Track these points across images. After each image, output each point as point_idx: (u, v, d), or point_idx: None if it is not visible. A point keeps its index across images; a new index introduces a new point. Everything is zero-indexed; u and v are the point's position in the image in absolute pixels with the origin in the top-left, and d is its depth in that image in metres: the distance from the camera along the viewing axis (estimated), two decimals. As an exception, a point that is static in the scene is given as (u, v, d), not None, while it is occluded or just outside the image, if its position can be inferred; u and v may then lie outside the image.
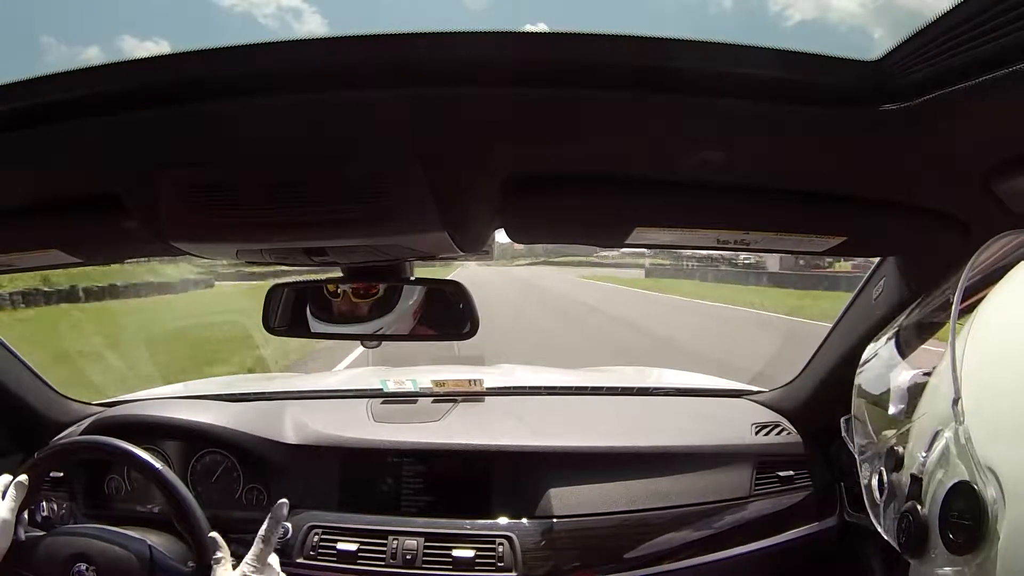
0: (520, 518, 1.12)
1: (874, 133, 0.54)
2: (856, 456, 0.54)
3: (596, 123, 0.56)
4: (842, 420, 0.58)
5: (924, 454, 0.39)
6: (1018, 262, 0.42)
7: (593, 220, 0.77)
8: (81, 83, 0.53)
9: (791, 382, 1.33)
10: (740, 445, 1.22)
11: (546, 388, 1.48)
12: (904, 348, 0.54)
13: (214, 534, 0.93)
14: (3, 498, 0.88)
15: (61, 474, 1.23)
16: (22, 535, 0.89)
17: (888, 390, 0.53)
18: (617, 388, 1.51)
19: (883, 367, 0.55)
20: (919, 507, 0.38)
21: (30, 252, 0.86)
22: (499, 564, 1.07)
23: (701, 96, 0.51)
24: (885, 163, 0.62)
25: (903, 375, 0.51)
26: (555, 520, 1.11)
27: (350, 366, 5.00)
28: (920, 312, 0.54)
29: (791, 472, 1.21)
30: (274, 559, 0.91)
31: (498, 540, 1.09)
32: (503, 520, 1.12)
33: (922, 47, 0.46)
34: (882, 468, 0.46)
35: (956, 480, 0.35)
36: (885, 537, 0.45)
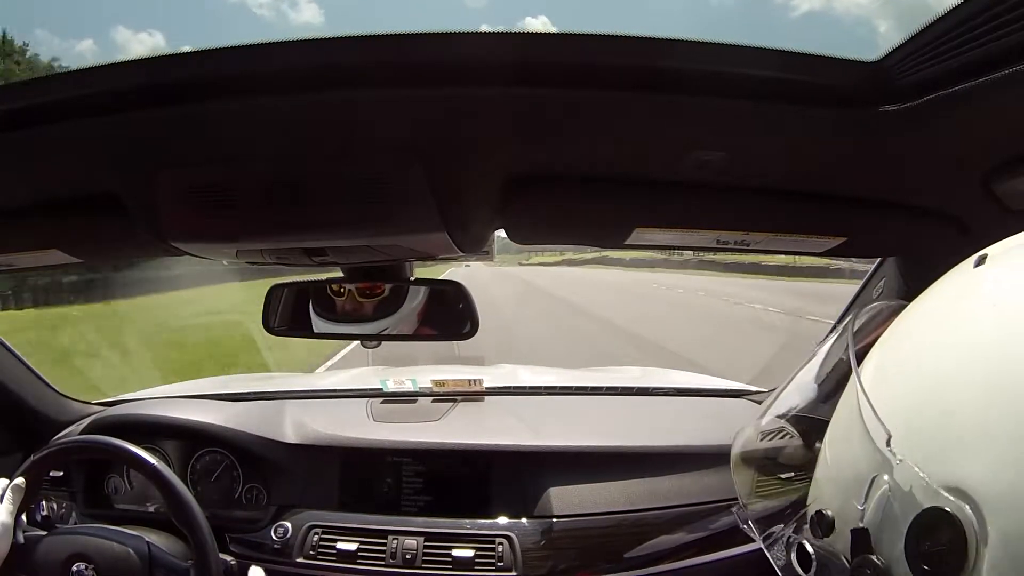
0: (520, 518, 1.12)
1: (874, 133, 0.54)
2: (761, 543, 0.51)
3: (596, 123, 0.56)
4: (734, 511, 0.57)
5: (861, 506, 0.38)
6: (892, 315, 0.44)
7: (593, 220, 0.77)
8: (81, 83, 0.53)
9: None
10: None
11: (546, 388, 1.48)
12: (790, 413, 0.55)
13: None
14: (1, 500, 0.88)
15: (61, 473, 1.23)
16: (21, 537, 0.89)
17: (778, 460, 0.54)
18: (617, 388, 1.51)
19: (769, 439, 0.56)
20: (873, 558, 0.37)
21: (30, 252, 0.86)
22: (499, 564, 1.07)
23: (701, 96, 0.51)
24: (885, 163, 0.62)
25: (790, 443, 0.52)
26: (555, 520, 1.11)
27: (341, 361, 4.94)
28: (796, 384, 0.55)
29: (792, 472, 1.21)
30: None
31: (498, 540, 1.09)
32: (503, 520, 1.12)
33: (922, 48, 0.47)
34: (804, 540, 0.45)
35: (918, 511, 0.35)
36: None
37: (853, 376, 0.42)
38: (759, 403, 1.38)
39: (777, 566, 0.49)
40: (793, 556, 0.46)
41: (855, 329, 0.48)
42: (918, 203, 0.70)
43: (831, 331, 1.15)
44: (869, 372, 0.42)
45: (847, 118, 0.52)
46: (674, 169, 0.65)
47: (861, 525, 0.38)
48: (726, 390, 1.51)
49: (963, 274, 0.42)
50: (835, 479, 0.43)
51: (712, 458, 1.19)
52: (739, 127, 0.56)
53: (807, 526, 0.45)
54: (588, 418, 1.33)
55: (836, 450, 0.44)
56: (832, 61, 0.50)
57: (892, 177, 0.65)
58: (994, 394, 0.33)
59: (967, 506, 0.32)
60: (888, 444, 0.37)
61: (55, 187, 0.71)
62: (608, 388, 1.51)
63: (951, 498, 0.33)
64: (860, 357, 0.44)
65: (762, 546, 0.51)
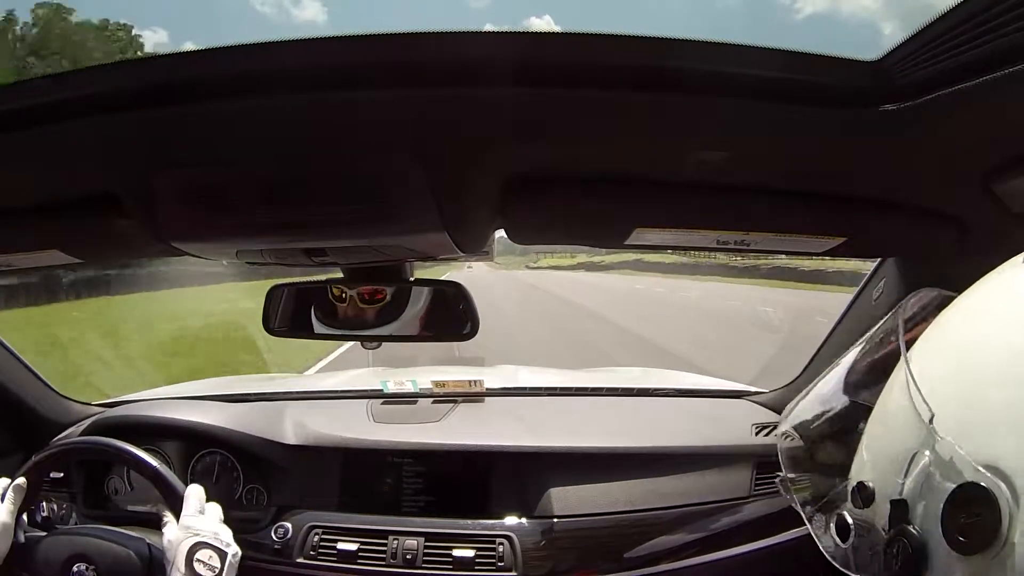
0: (520, 518, 1.12)
1: (874, 133, 0.54)
2: (803, 512, 0.54)
3: (596, 123, 0.56)
4: (777, 482, 0.60)
5: (901, 479, 0.41)
6: (940, 305, 0.47)
7: (593, 220, 0.77)
8: (81, 83, 0.53)
9: (791, 383, 1.33)
10: (740, 446, 1.21)
11: (546, 389, 1.48)
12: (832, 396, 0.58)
13: (163, 510, 0.92)
14: (2, 500, 0.88)
15: (61, 474, 1.23)
16: (21, 537, 0.89)
17: (823, 439, 0.57)
18: (617, 389, 1.51)
19: (815, 420, 0.59)
20: (910, 528, 0.39)
21: (30, 252, 0.86)
22: (499, 564, 1.07)
23: (701, 96, 0.51)
24: (885, 163, 0.62)
25: (834, 424, 0.55)
26: (555, 520, 1.11)
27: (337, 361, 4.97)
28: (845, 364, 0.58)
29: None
30: (214, 508, 0.91)
31: (498, 540, 1.09)
32: (503, 520, 1.12)
33: (922, 47, 0.47)
34: (844, 511, 0.47)
35: (955, 485, 0.37)
36: None
37: (902, 359, 0.45)
38: (759, 404, 1.38)
39: (817, 534, 0.51)
40: (832, 527, 0.48)
41: (906, 316, 0.50)
42: (918, 203, 0.70)
43: (833, 330, 1.16)
44: (916, 357, 0.44)
45: (847, 118, 0.52)
46: (674, 169, 0.65)
47: (900, 497, 0.40)
48: (726, 391, 1.51)
49: (1009, 269, 0.44)
50: (877, 455, 0.45)
51: (712, 458, 1.19)
52: (739, 127, 0.56)
53: (847, 500, 0.47)
54: (588, 419, 1.33)
55: (880, 428, 0.46)
56: (832, 60, 0.50)
57: (892, 177, 0.65)
58: None
59: (1002, 483, 0.35)
60: (931, 422, 0.39)
61: (55, 187, 0.71)
62: (608, 389, 1.51)
63: (988, 474, 0.35)
64: (907, 344, 0.46)
65: (804, 518, 0.54)
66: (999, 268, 0.45)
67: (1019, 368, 0.36)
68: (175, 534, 0.85)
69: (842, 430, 0.53)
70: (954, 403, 0.39)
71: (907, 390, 0.42)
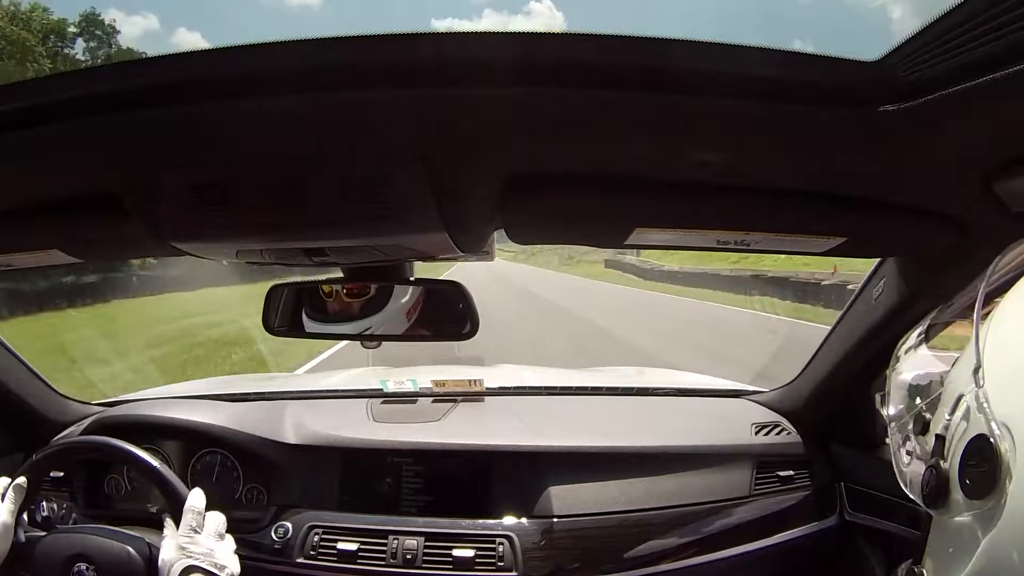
0: (520, 518, 1.12)
1: (874, 133, 0.54)
2: (888, 424, 0.58)
3: (597, 123, 0.56)
4: (876, 396, 0.64)
5: (948, 416, 0.45)
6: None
7: (593, 220, 0.77)
8: (81, 83, 0.53)
9: (791, 382, 1.33)
10: (740, 445, 1.22)
11: (546, 388, 1.48)
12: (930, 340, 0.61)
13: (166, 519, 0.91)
14: (2, 500, 0.88)
15: (61, 474, 1.23)
16: (22, 537, 0.89)
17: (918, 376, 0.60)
18: (617, 388, 1.51)
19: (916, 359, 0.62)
20: (942, 462, 0.44)
21: (30, 252, 0.86)
22: (499, 564, 1.07)
23: (701, 96, 0.51)
24: (885, 163, 0.61)
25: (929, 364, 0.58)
26: (555, 520, 1.11)
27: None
28: (946, 314, 0.61)
29: (791, 472, 1.21)
30: (214, 519, 0.90)
31: (498, 540, 1.09)
32: (503, 520, 1.12)
33: (922, 48, 0.47)
34: (909, 433, 0.51)
35: (975, 434, 0.41)
36: (911, 495, 0.49)
37: (976, 311, 0.48)
38: (759, 403, 1.38)
39: (892, 449, 0.55)
40: (903, 448, 0.53)
41: (997, 265, 0.52)
42: (918, 203, 0.70)
43: (833, 330, 1.16)
44: (993, 317, 0.47)
45: (847, 118, 0.52)
46: (674, 169, 0.65)
47: (943, 432, 0.45)
48: (725, 390, 1.51)
49: None
50: (944, 390, 0.49)
51: (712, 458, 1.19)
52: (739, 127, 0.56)
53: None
54: (588, 418, 1.33)
55: (956, 368, 0.49)
56: (832, 61, 0.50)
57: (892, 177, 0.65)
58: None
59: (1007, 442, 0.38)
60: (976, 371, 0.43)
61: (55, 187, 0.71)
62: (608, 388, 1.51)
63: (999, 430, 0.39)
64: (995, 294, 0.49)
65: (888, 427, 0.57)
66: None
67: None
68: (170, 554, 0.85)
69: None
70: (1000, 362, 0.43)
71: (975, 337, 0.45)
